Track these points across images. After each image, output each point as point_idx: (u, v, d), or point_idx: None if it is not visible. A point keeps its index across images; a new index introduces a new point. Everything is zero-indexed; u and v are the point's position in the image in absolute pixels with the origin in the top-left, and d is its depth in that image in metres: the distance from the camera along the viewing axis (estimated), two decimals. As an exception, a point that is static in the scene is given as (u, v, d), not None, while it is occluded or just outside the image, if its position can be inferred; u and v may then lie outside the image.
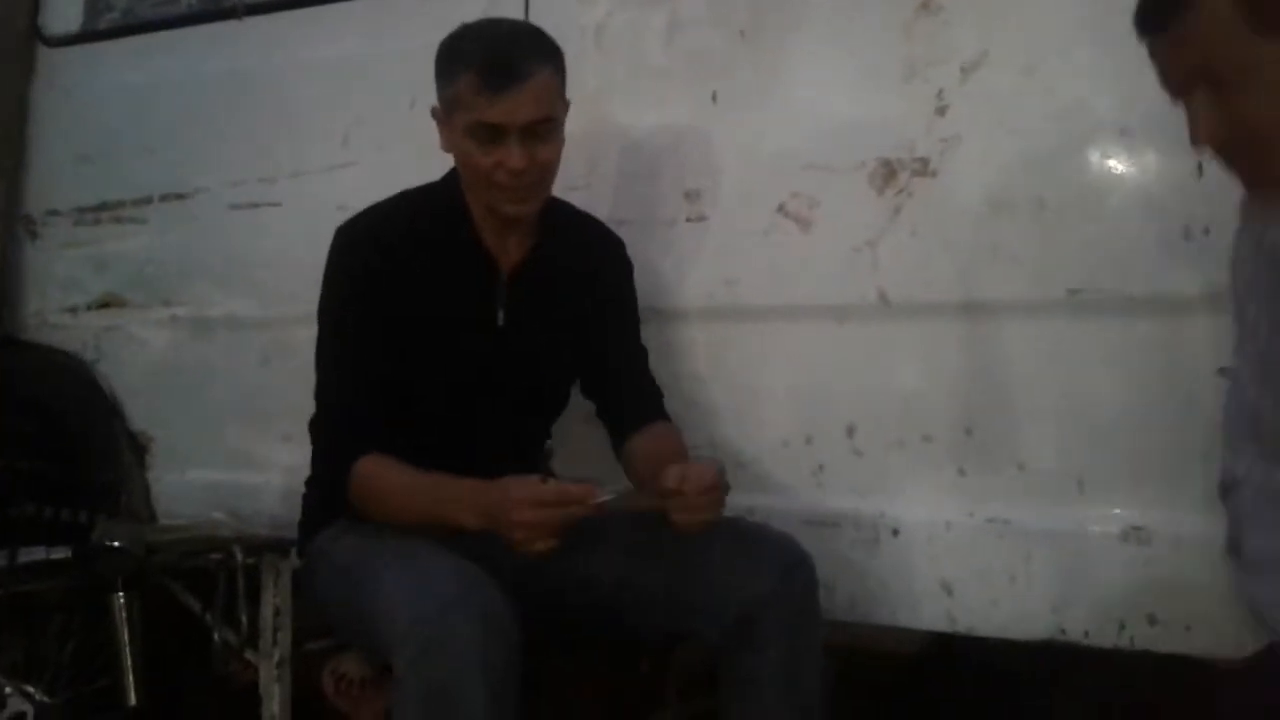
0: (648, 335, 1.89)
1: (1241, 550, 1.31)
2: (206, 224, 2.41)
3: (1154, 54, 1.29)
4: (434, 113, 1.70)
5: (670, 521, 1.55)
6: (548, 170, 1.68)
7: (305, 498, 1.79)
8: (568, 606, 1.68)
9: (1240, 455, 1.33)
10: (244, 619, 1.51)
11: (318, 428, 1.73)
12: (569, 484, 1.56)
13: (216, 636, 1.54)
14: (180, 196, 2.44)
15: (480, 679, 1.39)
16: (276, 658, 1.53)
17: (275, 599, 1.47)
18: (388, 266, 1.67)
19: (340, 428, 1.68)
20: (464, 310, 1.72)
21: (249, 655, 1.58)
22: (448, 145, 1.69)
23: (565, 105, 1.68)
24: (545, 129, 1.64)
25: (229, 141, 2.39)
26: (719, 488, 1.57)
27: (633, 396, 1.84)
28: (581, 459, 1.93)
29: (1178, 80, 1.26)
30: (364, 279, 1.68)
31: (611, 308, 1.84)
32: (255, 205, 2.33)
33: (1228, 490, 1.35)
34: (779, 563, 1.61)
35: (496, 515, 1.51)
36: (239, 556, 1.46)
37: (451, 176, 1.74)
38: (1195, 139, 1.26)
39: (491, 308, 1.73)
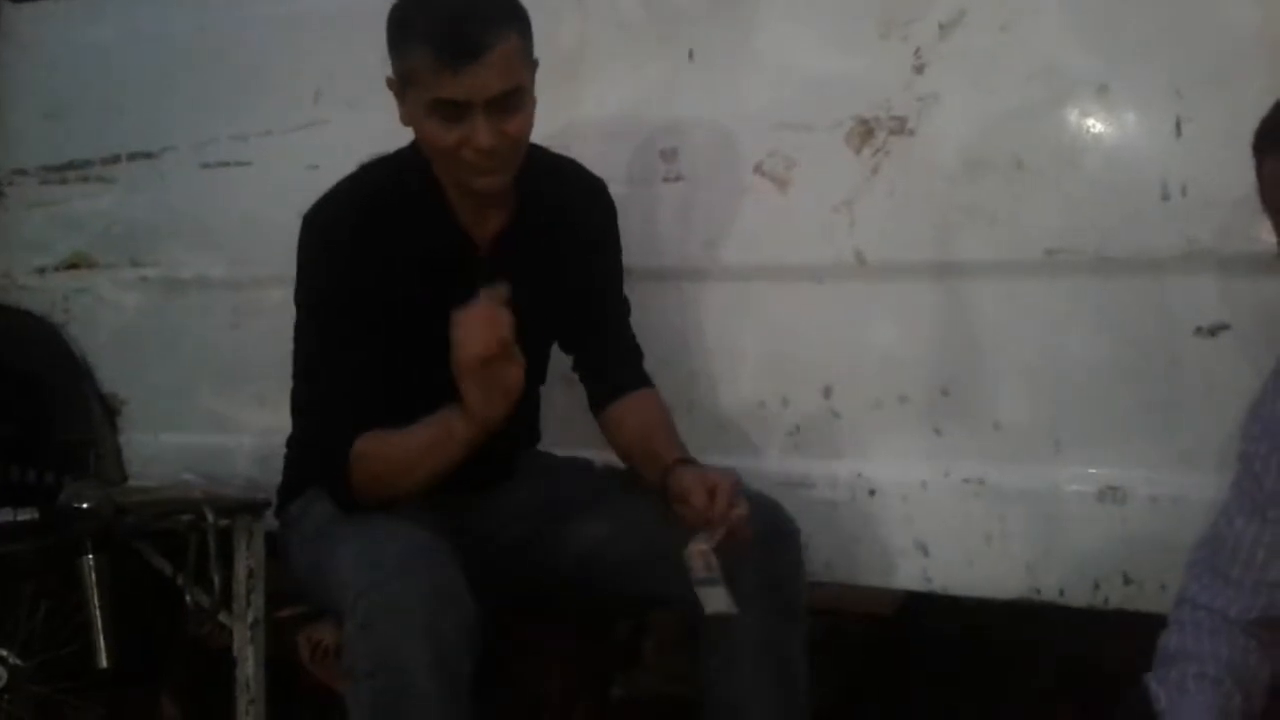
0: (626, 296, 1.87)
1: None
2: (176, 183, 2.38)
3: (1270, 171, 1.25)
4: (390, 84, 1.59)
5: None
6: (519, 141, 1.58)
7: (288, 463, 1.77)
8: (547, 572, 1.68)
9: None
10: (216, 581, 1.50)
11: (303, 416, 1.67)
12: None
13: (189, 599, 1.52)
14: (149, 155, 2.41)
15: (426, 647, 1.38)
16: (250, 619, 1.52)
17: (249, 560, 1.45)
18: (363, 254, 1.59)
19: (329, 423, 1.61)
20: (443, 293, 1.61)
21: (222, 618, 1.57)
22: (407, 119, 1.59)
23: (533, 68, 1.58)
24: (513, 100, 1.53)
25: (199, 99, 2.35)
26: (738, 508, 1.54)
27: (615, 356, 1.80)
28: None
29: None
30: (340, 270, 1.60)
31: (596, 259, 1.79)
32: (225, 164, 2.30)
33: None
34: (762, 526, 1.60)
35: (471, 390, 1.47)
36: (210, 518, 1.44)
37: (417, 147, 1.64)
38: None
39: (471, 288, 1.64)
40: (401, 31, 1.54)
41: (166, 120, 2.39)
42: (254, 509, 1.50)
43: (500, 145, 1.54)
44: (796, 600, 1.65)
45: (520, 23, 1.55)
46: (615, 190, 1.88)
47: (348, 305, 1.60)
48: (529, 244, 1.68)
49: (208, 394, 2.34)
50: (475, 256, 1.67)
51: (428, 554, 1.46)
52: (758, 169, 1.84)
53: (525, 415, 1.82)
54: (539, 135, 1.87)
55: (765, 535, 1.60)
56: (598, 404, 1.80)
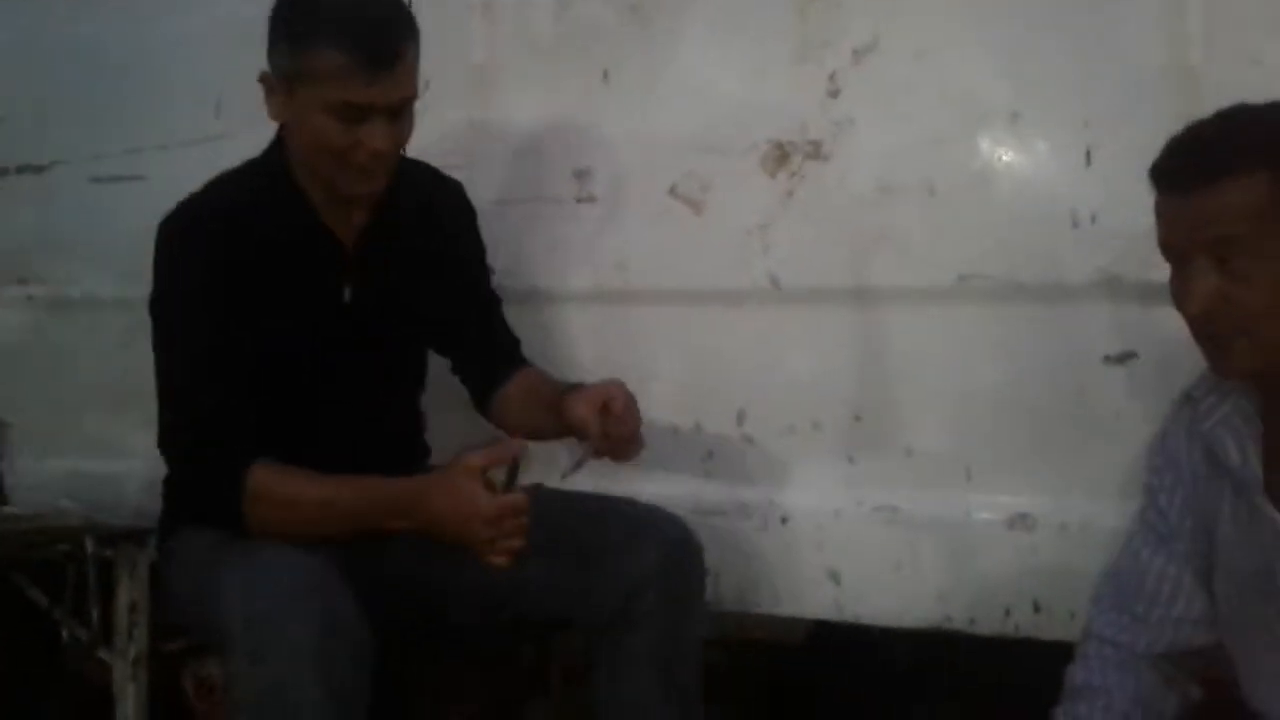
0: (535, 317, 1.85)
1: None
2: (65, 198, 2.31)
3: (1167, 209, 1.25)
4: (264, 79, 1.56)
5: (611, 455, 1.55)
6: (402, 147, 1.59)
7: (165, 496, 1.69)
8: (444, 598, 1.63)
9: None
10: (95, 614, 1.42)
11: (176, 437, 1.58)
12: (515, 493, 1.47)
13: (65, 633, 1.44)
14: (37, 169, 2.34)
15: (318, 680, 1.33)
16: (132, 655, 1.44)
17: (131, 592, 1.38)
18: (225, 257, 1.55)
19: (213, 438, 1.54)
20: (308, 293, 1.62)
21: (102, 654, 1.49)
22: (284, 116, 1.56)
23: None
24: (409, 107, 1.55)
25: (91, 111, 2.29)
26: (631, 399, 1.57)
27: (491, 349, 1.79)
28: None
29: (1184, 243, 1.24)
30: (204, 273, 1.55)
31: (462, 256, 1.78)
32: (118, 179, 2.24)
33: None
34: (664, 543, 1.59)
35: (449, 524, 1.45)
36: (90, 547, 1.37)
37: (274, 151, 1.63)
38: (1182, 303, 1.24)
39: (338, 286, 1.64)
40: (303, 29, 1.51)
41: (56, 132, 2.33)
42: (137, 538, 1.42)
43: (391, 150, 1.54)
44: (695, 617, 1.63)
45: (416, 32, 1.55)
46: (526, 210, 1.86)
47: (215, 311, 1.54)
48: (393, 242, 1.67)
49: (96, 417, 2.26)
50: (342, 253, 1.64)
51: (318, 582, 1.41)
52: (672, 191, 1.83)
53: (406, 429, 1.80)
54: (451, 151, 1.85)
55: (669, 553, 1.59)
56: (483, 396, 1.78)
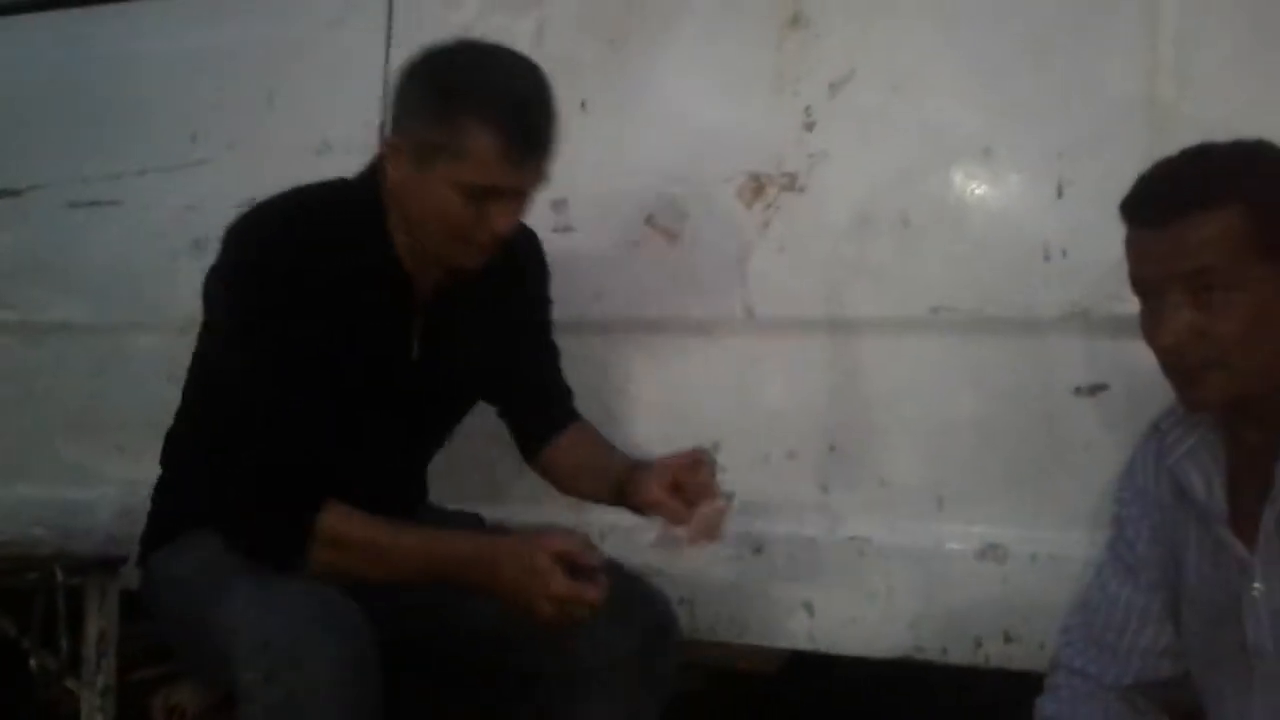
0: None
1: None
2: (41, 223, 2.30)
3: (1139, 243, 1.27)
4: (394, 145, 1.48)
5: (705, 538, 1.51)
6: None
7: (155, 509, 1.64)
8: (450, 639, 1.61)
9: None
10: (64, 644, 1.40)
11: (244, 466, 1.48)
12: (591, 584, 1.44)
13: (33, 662, 1.43)
14: (13, 193, 2.33)
15: (335, 710, 1.32)
16: (100, 685, 1.42)
17: (100, 622, 1.36)
18: (311, 286, 1.45)
19: (287, 477, 1.46)
20: (380, 343, 1.55)
21: (69, 683, 1.47)
22: (407, 185, 1.47)
23: None
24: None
25: (69, 136, 2.29)
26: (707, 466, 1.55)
27: (545, 400, 1.75)
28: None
29: (1157, 277, 1.25)
30: (290, 301, 1.45)
31: (530, 308, 1.74)
32: (95, 204, 2.23)
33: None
34: (651, 623, 1.59)
35: (519, 596, 1.42)
36: (59, 576, 1.35)
37: (369, 184, 1.54)
38: (1154, 336, 1.26)
39: (407, 338, 1.58)
40: (454, 103, 1.43)
41: (34, 157, 2.32)
42: (108, 566, 1.41)
43: (513, 233, 1.50)
44: (663, 695, 1.61)
45: (558, 113, 1.51)
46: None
47: (298, 344, 1.45)
48: (469, 298, 1.60)
49: (67, 444, 2.24)
50: (414, 304, 1.58)
51: (343, 613, 1.38)
52: (649, 221, 1.84)
53: (419, 472, 1.77)
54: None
55: (655, 634, 1.58)
56: (533, 447, 1.74)
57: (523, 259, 1.70)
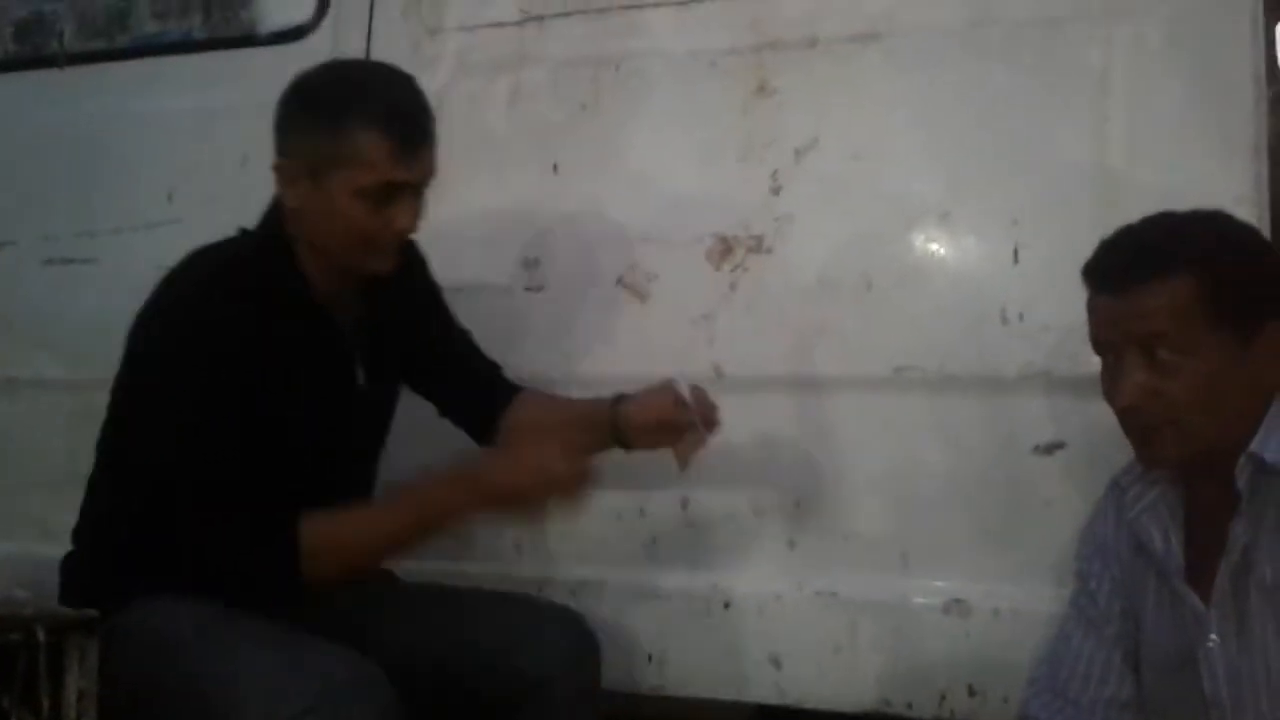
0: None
1: None
2: (16, 280, 2.29)
3: (1099, 307, 1.34)
4: (281, 168, 1.56)
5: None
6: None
7: (111, 570, 1.64)
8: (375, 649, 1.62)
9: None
10: (45, 703, 1.40)
11: (202, 515, 1.52)
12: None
13: (14, 720, 1.42)
14: (-11, 250, 2.32)
15: None
16: (79, 744, 1.42)
17: (80, 681, 1.36)
18: (239, 349, 1.50)
19: (248, 508, 1.50)
20: (325, 380, 1.61)
21: (48, 742, 1.46)
22: (307, 204, 1.55)
23: None
24: (428, 184, 1.59)
25: (45, 194, 2.29)
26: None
27: (478, 380, 1.79)
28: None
29: (1116, 339, 1.32)
30: (218, 367, 1.49)
31: (428, 296, 1.80)
32: (70, 261, 2.23)
33: None
34: (574, 636, 1.64)
35: (523, 484, 1.49)
36: (41, 635, 1.35)
37: (271, 229, 1.60)
38: (1112, 395, 1.32)
39: (350, 370, 1.65)
40: (337, 114, 1.51)
41: (9, 215, 2.31)
42: (88, 626, 1.41)
43: (415, 229, 1.58)
44: (593, 690, 1.67)
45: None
46: (474, 296, 1.88)
47: (227, 395, 1.50)
48: (386, 314, 1.68)
49: (40, 502, 2.22)
50: (344, 336, 1.64)
51: (371, 677, 1.41)
52: (619, 281, 1.87)
53: (373, 475, 1.78)
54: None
55: (579, 646, 1.64)
56: (483, 427, 1.77)
57: (409, 258, 1.74)
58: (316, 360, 1.60)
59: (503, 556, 1.93)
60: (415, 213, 1.57)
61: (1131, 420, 1.33)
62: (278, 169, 1.57)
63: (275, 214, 1.62)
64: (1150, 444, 1.32)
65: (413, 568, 1.83)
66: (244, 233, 1.64)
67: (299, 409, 1.57)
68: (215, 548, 1.51)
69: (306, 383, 1.58)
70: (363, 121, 1.50)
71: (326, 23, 2.09)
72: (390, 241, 1.57)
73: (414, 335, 1.74)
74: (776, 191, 1.80)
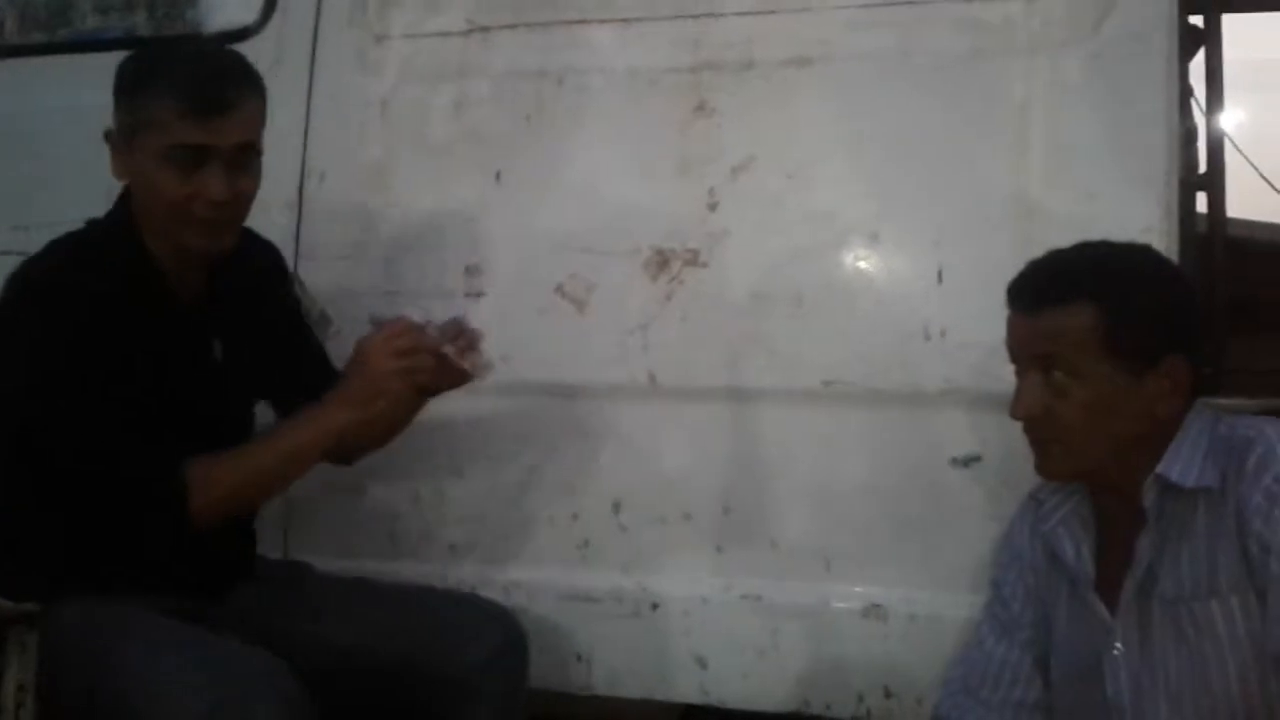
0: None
1: None
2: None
3: (1015, 325, 1.41)
4: (108, 137, 1.60)
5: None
6: (246, 203, 1.61)
7: (41, 565, 1.61)
8: (301, 646, 1.63)
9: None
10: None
11: (90, 482, 1.55)
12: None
13: (-50, 714, 1.41)
14: (-82, 242, 2.28)
15: None
16: (19, 736, 1.41)
17: (19, 674, 1.36)
18: (95, 338, 1.52)
19: (134, 463, 1.54)
20: (178, 352, 1.62)
21: (-12, 738, 1.45)
22: (126, 172, 1.59)
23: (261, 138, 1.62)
24: (249, 156, 1.58)
25: (-24, 186, 2.24)
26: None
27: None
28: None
29: (1023, 354, 1.40)
30: (78, 358, 1.51)
31: (289, 316, 1.82)
32: (5, 254, 2.18)
33: None
34: (504, 627, 1.68)
35: (367, 381, 1.53)
36: (-20, 630, 1.35)
37: (120, 215, 1.63)
38: (1013, 408, 1.40)
39: (205, 342, 1.66)
40: (139, 80, 1.57)
41: (-60, 205, 2.27)
42: (28, 620, 1.40)
43: (231, 201, 1.56)
44: (522, 705, 1.69)
45: (261, 91, 1.61)
46: (414, 301, 1.89)
47: (87, 376, 1.52)
48: (239, 301, 1.70)
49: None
50: (198, 314, 1.66)
51: (278, 668, 1.43)
52: (558, 290, 1.89)
53: None
54: (345, 242, 1.89)
55: (510, 637, 1.67)
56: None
57: (267, 264, 1.80)
58: (167, 336, 1.61)
59: (436, 557, 1.95)
60: (226, 183, 1.54)
61: (1028, 433, 1.41)
62: (105, 138, 1.61)
63: (125, 202, 1.64)
64: (1040, 456, 1.42)
65: (344, 567, 1.86)
66: (92, 222, 1.67)
67: (157, 381, 1.58)
68: (106, 503, 1.55)
69: (160, 358, 1.59)
70: (159, 85, 1.54)
71: (272, 25, 2.08)
72: (206, 213, 1.55)
73: (278, 338, 1.76)
74: (713, 207, 1.84)
